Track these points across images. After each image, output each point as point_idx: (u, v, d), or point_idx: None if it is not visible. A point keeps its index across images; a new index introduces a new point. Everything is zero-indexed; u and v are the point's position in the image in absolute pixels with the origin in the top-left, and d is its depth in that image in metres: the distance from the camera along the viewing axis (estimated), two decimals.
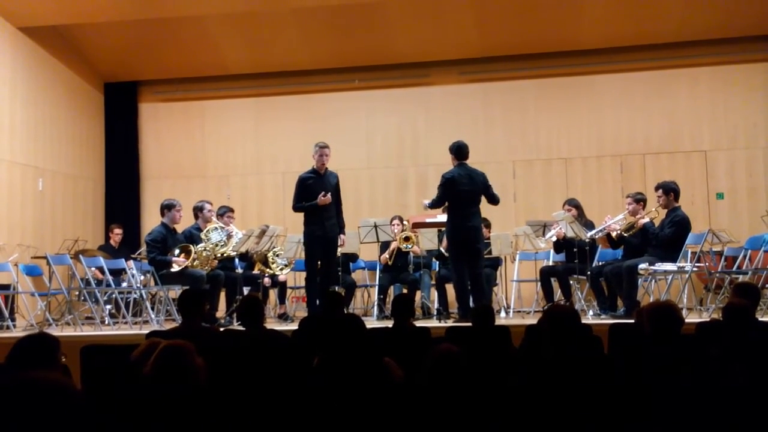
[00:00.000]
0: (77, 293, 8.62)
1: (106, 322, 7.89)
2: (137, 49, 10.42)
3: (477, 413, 2.86)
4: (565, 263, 8.17)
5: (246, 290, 8.19)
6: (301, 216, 7.55)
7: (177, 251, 7.64)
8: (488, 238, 8.20)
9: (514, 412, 2.93)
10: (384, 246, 8.78)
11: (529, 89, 10.51)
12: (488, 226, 8.40)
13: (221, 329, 5.54)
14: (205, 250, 7.74)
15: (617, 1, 9.54)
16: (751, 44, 9.96)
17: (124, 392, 2.94)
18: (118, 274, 8.38)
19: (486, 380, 3.14)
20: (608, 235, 7.68)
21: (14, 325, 7.80)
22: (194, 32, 10.06)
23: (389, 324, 5.48)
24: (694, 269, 7.30)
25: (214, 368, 3.22)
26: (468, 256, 7.18)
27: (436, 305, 8.19)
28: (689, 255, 7.40)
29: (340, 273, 7.95)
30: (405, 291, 8.48)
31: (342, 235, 7.60)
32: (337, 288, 7.53)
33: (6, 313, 7.65)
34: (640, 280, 7.40)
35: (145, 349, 3.43)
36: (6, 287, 8.07)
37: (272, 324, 7.60)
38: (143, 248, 8.38)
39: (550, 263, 8.66)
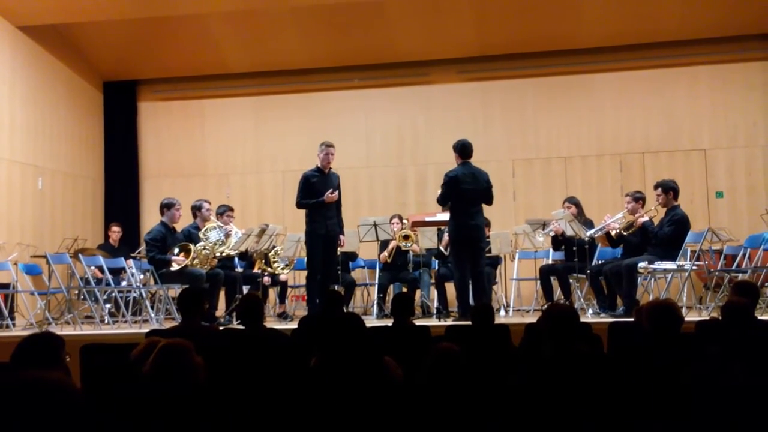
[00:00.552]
0: (77, 292, 8.62)
1: (106, 321, 7.89)
2: (136, 47, 10.41)
3: (476, 412, 2.86)
4: (564, 262, 8.17)
5: (246, 289, 8.19)
6: (300, 215, 7.56)
7: (176, 250, 7.63)
8: (488, 237, 8.20)
9: (513, 411, 2.93)
10: (383, 245, 8.78)
11: (528, 88, 10.51)
12: (488, 224, 8.40)
13: (221, 328, 5.54)
14: (204, 249, 7.74)
15: (616, 0, 9.54)
16: (751, 43, 9.96)
17: (123, 391, 2.94)
18: (117, 273, 8.39)
19: (485, 379, 3.15)
20: (608, 233, 7.68)
21: (14, 324, 7.81)
22: (194, 31, 10.06)
23: (389, 323, 5.48)
24: (694, 268, 7.30)
25: (214, 367, 3.22)
26: (470, 255, 7.19)
27: (435, 304, 8.19)
28: (689, 253, 7.39)
29: (339, 272, 7.95)
30: (405, 290, 8.49)
31: (342, 236, 7.61)
32: (336, 287, 7.53)
33: (5, 312, 7.66)
34: (639, 278, 7.40)
35: (145, 348, 3.43)
36: (5, 286, 8.07)
37: (272, 323, 7.61)
38: (143, 247, 8.38)
39: (550, 262, 8.66)
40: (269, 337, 4.62)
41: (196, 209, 8.11)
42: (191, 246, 7.65)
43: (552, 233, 8.11)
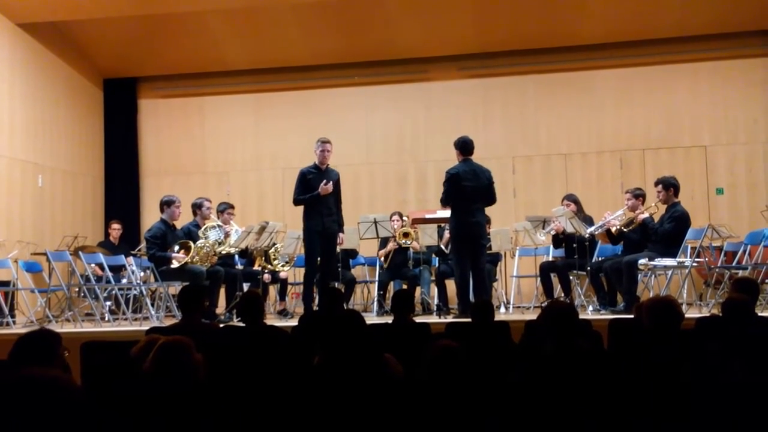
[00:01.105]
0: (77, 290, 8.61)
1: (106, 319, 7.89)
2: (136, 45, 10.41)
3: (476, 408, 2.86)
4: (564, 259, 8.17)
5: (246, 286, 8.19)
6: (300, 212, 7.55)
7: (176, 247, 7.64)
8: (488, 234, 8.20)
9: (513, 408, 2.94)
10: (383, 242, 8.78)
11: (528, 85, 10.50)
12: (488, 222, 8.40)
13: (221, 325, 5.54)
14: (204, 246, 7.74)
15: None
16: (751, 39, 9.95)
17: (123, 388, 2.94)
18: (117, 270, 8.39)
19: (485, 376, 3.15)
20: (608, 230, 7.68)
21: (14, 322, 7.80)
22: (194, 28, 10.06)
23: (389, 320, 5.49)
24: (694, 264, 7.30)
25: (214, 364, 3.23)
26: (471, 252, 7.18)
27: (435, 301, 8.19)
28: (689, 250, 7.39)
29: (339, 269, 7.95)
30: (405, 287, 8.49)
31: (341, 234, 7.60)
32: (337, 284, 7.53)
33: (6, 310, 7.65)
34: (639, 275, 7.39)
35: (145, 345, 3.43)
36: (6, 284, 8.06)
37: (272, 320, 7.61)
38: (143, 244, 8.38)
39: (550, 259, 8.66)
40: (269, 334, 4.62)
41: (196, 207, 8.11)
42: (191, 243, 7.65)
43: (553, 232, 8.11)
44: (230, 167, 11.00)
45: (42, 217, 9.67)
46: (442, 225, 8.21)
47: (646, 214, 7.47)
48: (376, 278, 8.83)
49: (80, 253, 8.23)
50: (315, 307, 7.26)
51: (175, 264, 7.54)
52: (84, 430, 2.51)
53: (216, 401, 2.90)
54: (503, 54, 10.41)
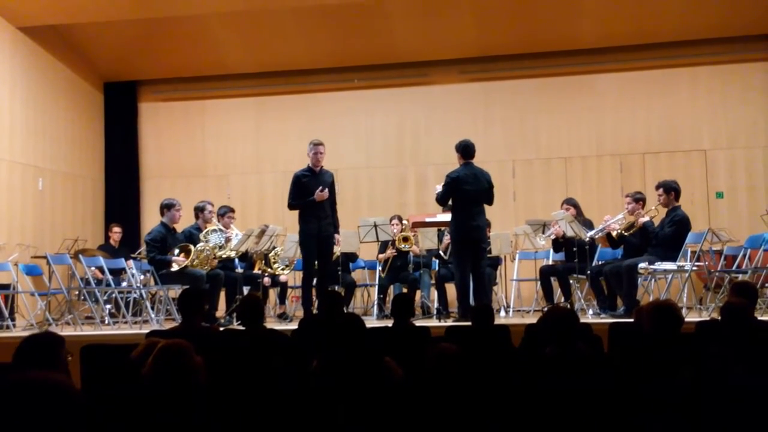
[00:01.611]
0: (77, 293, 8.62)
1: (106, 322, 7.89)
2: (137, 48, 10.42)
3: (476, 412, 2.86)
4: (564, 262, 8.17)
5: (246, 290, 8.19)
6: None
7: (177, 251, 7.64)
8: (488, 238, 8.20)
9: (513, 412, 2.94)
10: (383, 245, 8.78)
11: (528, 88, 10.50)
12: (488, 225, 8.40)
13: (221, 329, 5.54)
14: (204, 250, 7.74)
15: (617, 1, 9.54)
16: (751, 43, 9.96)
17: (123, 391, 2.94)
18: (117, 273, 8.38)
19: (485, 379, 3.15)
20: (608, 234, 7.68)
21: (14, 325, 7.80)
22: (194, 32, 10.07)
23: (389, 323, 5.48)
24: (694, 268, 7.30)
25: (214, 368, 3.23)
26: (471, 255, 7.19)
27: (435, 305, 8.18)
28: (689, 254, 7.39)
29: (339, 272, 7.95)
30: (405, 290, 8.48)
31: (337, 235, 7.59)
32: (336, 287, 7.52)
33: (6, 313, 7.65)
34: (639, 279, 7.39)
35: (145, 348, 3.43)
36: (6, 287, 8.07)
37: (272, 324, 7.60)
38: (143, 248, 8.39)
39: (550, 262, 8.65)
40: (269, 337, 4.62)
41: (198, 210, 8.10)
42: (191, 247, 7.65)
43: (553, 236, 8.11)
44: (230, 170, 11.00)
45: (42, 220, 9.67)
46: (442, 228, 8.21)
47: (646, 218, 7.48)
48: (376, 282, 8.83)
49: (80, 256, 8.23)
50: (315, 311, 7.25)
51: (175, 267, 7.54)
52: None
53: (216, 405, 2.90)
54: (504, 57, 10.42)
